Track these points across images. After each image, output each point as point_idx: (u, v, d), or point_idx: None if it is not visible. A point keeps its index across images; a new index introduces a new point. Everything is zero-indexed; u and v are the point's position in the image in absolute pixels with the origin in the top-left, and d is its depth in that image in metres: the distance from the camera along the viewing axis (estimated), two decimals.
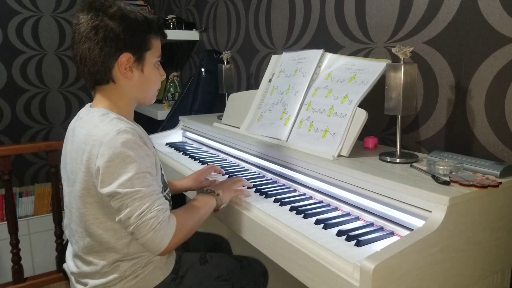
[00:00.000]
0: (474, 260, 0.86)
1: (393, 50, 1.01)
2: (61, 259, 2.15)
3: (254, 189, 1.15)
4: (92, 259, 0.97)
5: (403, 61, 0.99)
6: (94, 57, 0.93)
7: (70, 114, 3.30)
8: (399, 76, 0.99)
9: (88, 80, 0.98)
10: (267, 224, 0.95)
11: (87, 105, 1.04)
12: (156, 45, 1.01)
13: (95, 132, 0.91)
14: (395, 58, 1.02)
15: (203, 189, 1.10)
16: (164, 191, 1.05)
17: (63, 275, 1.16)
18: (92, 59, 0.93)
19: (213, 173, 1.30)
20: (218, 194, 1.05)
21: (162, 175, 1.04)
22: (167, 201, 0.94)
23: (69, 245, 1.07)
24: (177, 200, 1.24)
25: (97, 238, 0.95)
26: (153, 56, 1.00)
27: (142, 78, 1.00)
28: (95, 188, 0.90)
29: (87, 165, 0.91)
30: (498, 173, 0.89)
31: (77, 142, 0.95)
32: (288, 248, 0.87)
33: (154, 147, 1.01)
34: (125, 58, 0.95)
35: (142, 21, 0.97)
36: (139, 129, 0.97)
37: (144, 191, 0.87)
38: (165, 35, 1.04)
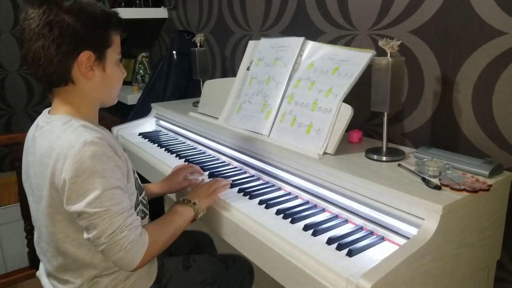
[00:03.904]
0: (465, 262, 0.86)
1: (380, 43, 0.96)
2: (33, 255, 2.07)
3: (237, 188, 1.11)
4: (68, 278, 0.91)
5: (390, 55, 0.95)
6: (50, 56, 0.84)
7: (32, 97, 3.09)
8: (386, 72, 0.95)
9: (44, 82, 0.88)
10: (253, 229, 0.91)
11: (45, 111, 0.94)
12: (116, 41, 0.93)
13: (58, 144, 0.83)
14: (379, 48, 0.97)
15: (179, 199, 1.04)
16: (140, 195, 0.99)
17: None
18: (48, 59, 0.84)
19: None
20: (194, 203, 1.01)
21: (136, 179, 0.98)
22: (138, 217, 0.88)
23: (41, 264, 1.00)
24: (154, 204, 1.19)
25: (71, 256, 0.88)
26: (114, 53, 0.92)
27: (104, 78, 0.91)
28: (62, 204, 0.83)
29: (52, 180, 0.83)
30: (487, 173, 0.88)
31: (39, 155, 0.87)
32: (276, 257, 0.84)
33: (125, 150, 0.94)
34: (85, 56, 0.86)
35: (101, 15, 0.88)
36: (108, 135, 0.89)
37: (114, 210, 0.81)
38: (125, 31, 0.95)
